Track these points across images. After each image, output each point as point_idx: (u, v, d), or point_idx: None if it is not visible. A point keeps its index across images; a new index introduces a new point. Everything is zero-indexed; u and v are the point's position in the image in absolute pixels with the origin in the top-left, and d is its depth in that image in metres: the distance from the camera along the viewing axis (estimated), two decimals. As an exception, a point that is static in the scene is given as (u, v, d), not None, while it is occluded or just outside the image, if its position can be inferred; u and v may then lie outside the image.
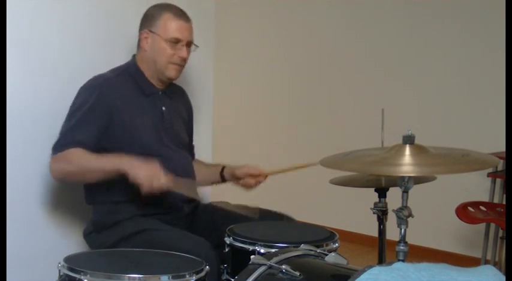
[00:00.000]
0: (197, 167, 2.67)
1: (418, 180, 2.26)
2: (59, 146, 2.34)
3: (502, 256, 3.80)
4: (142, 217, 2.40)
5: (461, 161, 1.87)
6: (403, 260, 1.81)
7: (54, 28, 2.56)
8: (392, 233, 2.02)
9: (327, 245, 2.16)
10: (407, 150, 1.84)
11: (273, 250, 1.99)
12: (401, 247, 1.84)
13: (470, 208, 3.57)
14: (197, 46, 2.55)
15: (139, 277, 1.79)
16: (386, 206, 2.40)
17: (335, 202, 4.67)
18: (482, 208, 3.66)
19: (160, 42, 2.46)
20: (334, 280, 1.80)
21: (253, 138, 5.33)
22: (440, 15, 4.33)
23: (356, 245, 4.29)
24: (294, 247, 1.96)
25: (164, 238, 2.26)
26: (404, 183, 1.82)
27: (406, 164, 1.81)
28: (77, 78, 2.49)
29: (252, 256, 1.79)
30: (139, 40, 2.53)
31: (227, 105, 5.07)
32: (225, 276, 2.21)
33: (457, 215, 3.46)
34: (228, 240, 2.20)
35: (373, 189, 2.42)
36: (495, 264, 3.80)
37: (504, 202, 3.83)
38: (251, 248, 2.11)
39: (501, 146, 2.82)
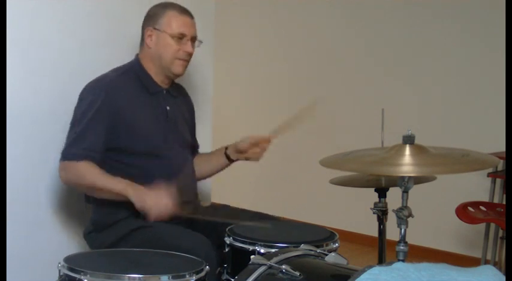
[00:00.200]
0: (201, 159, 2.69)
1: (418, 180, 2.26)
2: (70, 155, 2.33)
3: (502, 256, 3.80)
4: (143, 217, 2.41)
5: (461, 161, 1.87)
6: (403, 260, 1.81)
7: (54, 28, 2.56)
8: (392, 233, 2.02)
9: (327, 245, 2.16)
10: (407, 150, 1.84)
11: (273, 250, 1.99)
12: (401, 247, 1.84)
13: (470, 208, 3.57)
14: (201, 41, 2.56)
15: (139, 277, 1.79)
16: (386, 206, 2.40)
17: (335, 202, 4.66)
18: (482, 208, 3.65)
19: (166, 38, 2.46)
20: (334, 280, 1.80)
21: (253, 137, 5.31)
22: (440, 15, 4.33)
23: (356, 245, 4.28)
24: (294, 247, 1.96)
25: (164, 235, 2.26)
26: (404, 183, 1.83)
27: (406, 164, 1.81)
28: (77, 78, 2.49)
29: (252, 256, 1.79)
30: (142, 39, 2.53)
31: (227, 104, 5.06)
32: (225, 276, 2.21)
33: (457, 215, 3.46)
34: (228, 240, 2.20)
35: (373, 189, 2.42)
36: (495, 264, 3.80)
37: (504, 202, 3.83)
38: (251, 248, 2.11)
39: (501, 146, 2.82)
